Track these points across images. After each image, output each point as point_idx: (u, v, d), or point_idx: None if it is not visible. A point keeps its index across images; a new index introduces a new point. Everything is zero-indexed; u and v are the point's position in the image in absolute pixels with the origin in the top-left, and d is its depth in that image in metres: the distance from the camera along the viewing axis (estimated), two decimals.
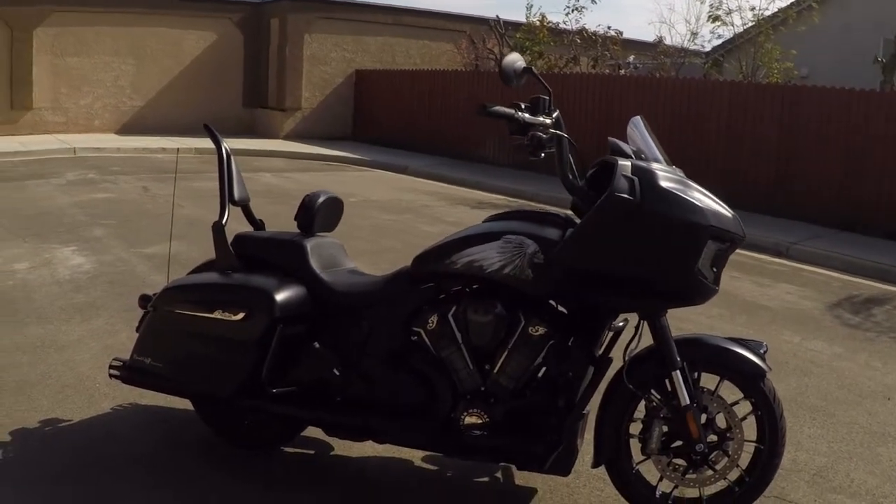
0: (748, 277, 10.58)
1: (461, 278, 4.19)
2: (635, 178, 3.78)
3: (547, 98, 3.99)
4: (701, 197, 3.87)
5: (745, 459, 4.17)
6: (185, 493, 4.45)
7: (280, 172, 18.63)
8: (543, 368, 4.14)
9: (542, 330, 4.03)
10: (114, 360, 4.88)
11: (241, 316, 4.36)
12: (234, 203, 4.81)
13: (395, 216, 13.29)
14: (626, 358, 4.15)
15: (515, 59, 3.97)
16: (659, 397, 4.12)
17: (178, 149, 18.11)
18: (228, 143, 4.94)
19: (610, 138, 4.02)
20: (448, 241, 4.23)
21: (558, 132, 3.95)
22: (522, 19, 25.00)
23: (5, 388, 5.64)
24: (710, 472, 4.13)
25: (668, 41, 23.00)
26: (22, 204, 13.23)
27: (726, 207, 3.94)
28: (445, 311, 4.19)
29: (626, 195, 3.75)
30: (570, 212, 4.21)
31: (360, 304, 4.43)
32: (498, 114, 3.87)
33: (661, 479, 4.20)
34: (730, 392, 4.17)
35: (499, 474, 4.76)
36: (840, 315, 9.01)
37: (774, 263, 11.80)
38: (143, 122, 25.18)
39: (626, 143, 4.04)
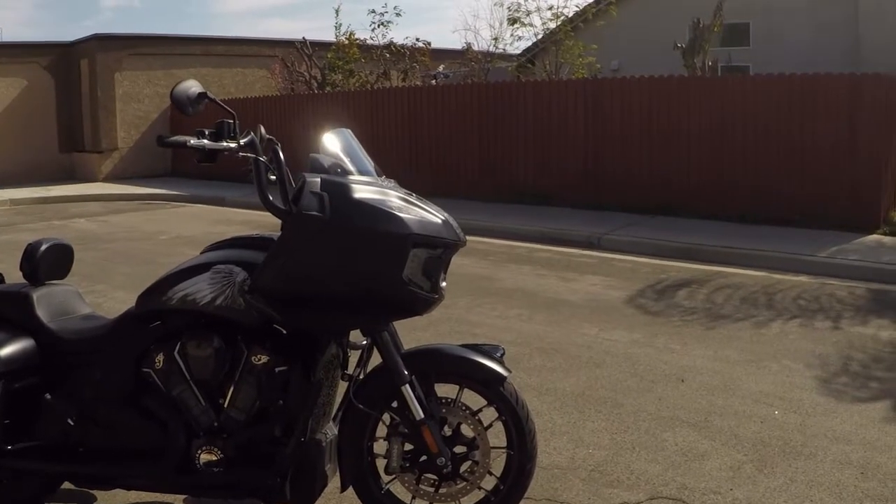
0: (554, 273, 10.48)
1: (183, 314, 3.96)
2: (325, 194, 3.61)
3: (231, 122, 3.74)
4: (402, 205, 3.70)
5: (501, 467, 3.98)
6: None
7: (94, 216, 18.00)
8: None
9: (264, 358, 3.83)
10: None
11: None
12: None
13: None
14: (355, 376, 4.00)
15: (190, 86, 3.70)
16: (395, 414, 3.93)
17: None
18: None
19: (311, 154, 3.82)
20: (165, 276, 4.01)
21: (248, 154, 3.72)
22: (333, 39, 24.78)
23: None
24: (462, 484, 3.94)
25: (475, 47, 23.00)
26: None
27: (437, 213, 3.78)
28: (171, 349, 3.97)
29: (314, 212, 3.58)
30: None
31: (90, 350, 4.22)
32: (174, 143, 3.63)
33: (413, 498, 4.00)
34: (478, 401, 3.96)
35: None
36: (644, 301, 8.94)
37: (584, 256, 11.74)
38: None
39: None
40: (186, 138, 3.61)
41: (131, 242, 14.04)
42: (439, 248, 3.73)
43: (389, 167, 4.08)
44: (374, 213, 3.60)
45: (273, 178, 3.76)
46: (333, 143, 3.89)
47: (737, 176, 13.51)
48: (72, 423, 4.16)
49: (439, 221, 3.73)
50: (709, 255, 11.26)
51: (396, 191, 3.78)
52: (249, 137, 3.76)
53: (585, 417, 5.67)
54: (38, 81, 26.12)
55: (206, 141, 3.63)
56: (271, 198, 3.69)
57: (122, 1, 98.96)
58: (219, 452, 3.89)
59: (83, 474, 4.25)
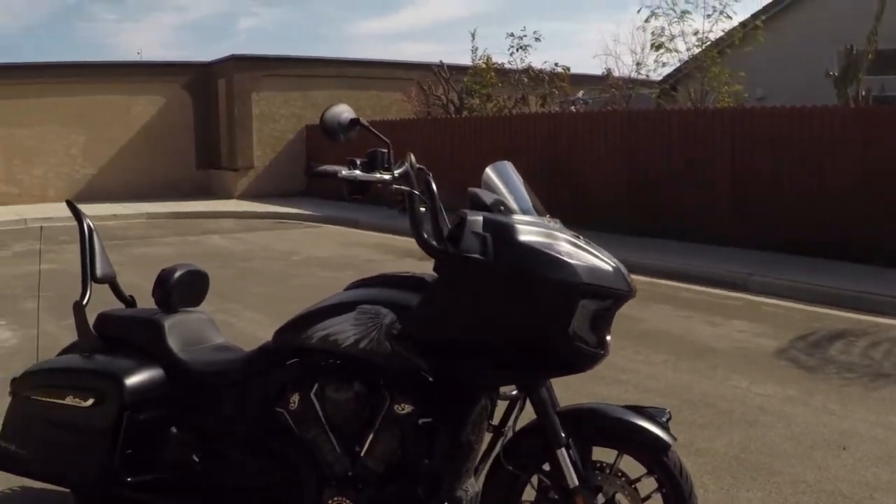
0: (699, 316, 10.01)
1: (323, 353, 3.70)
2: (487, 235, 3.27)
3: (385, 151, 3.44)
4: (572, 250, 3.32)
5: None
6: None
7: (229, 233, 18.27)
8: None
9: (407, 408, 3.53)
10: None
11: (90, 402, 4.09)
12: (97, 280, 4.47)
13: (335, 273, 12.71)
14: (505, 432, 3.68)
15: (342, 111, 3.44)
16: (546, 478, 3.59)
17: (41, 226, 19.46)
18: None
19: (470, 189, 3.49)
20: (305, 312, 3.77)
21: (403, 187, 3.42)
22: (469, 62, 24.67)
23: None
24: None
25: (616, 73, 22.56)
26: None
27: (608, 259, 3.40)
28: (308, 390, 3.73)
29: (475, 255, 3.25)
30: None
31: (222, 384, 4.06)
32: (324, 173, 3.37)
33: None
34: (636, 467, 3.58)
35: None
36: (797, 352, 8.38)
37: (731, 298, 11.19)
38: (96, 190, 25.11)
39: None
40: (337, 168, 3.35)
41: (264, 261, 14.14)
42: (609, 298, 3.38)
43: None
44: (542, 259, 3.25)
45: (424, 209, 3.46)
46: (495, 177, 3.57)
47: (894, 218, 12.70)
48: (196, 460, 4.02)
49: (610, 269, 3.37)
50: (864, 303, 10.53)
51: (563, 233, 3.42)
52: (404, 168, 3.47)
53: (740, 484, 5.22)
54: (177, 100, 27.03)
55: (357, 172, 3.37)
56: (426, 235, 3.38)
57: (257, 23, 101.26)
58: None
59: None
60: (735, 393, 6.98)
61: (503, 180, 3.57)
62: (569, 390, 6.46)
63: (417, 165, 3.56)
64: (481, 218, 3.32)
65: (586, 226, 14.98)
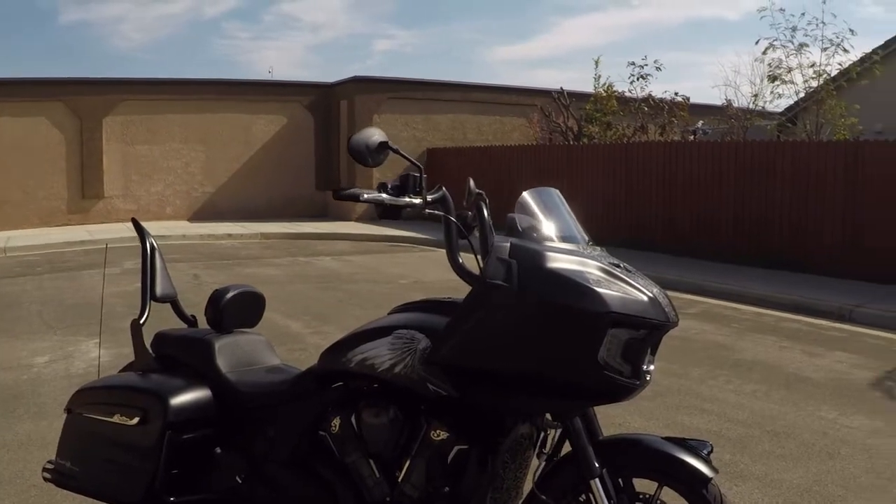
0: (799, 346, 9.83)
1: (365, 377, 3.71)
2: (513, 261, 3.21)
3: (418, 175, 3.46)
4: (602, 278, 3.24)
5: None
6: None
7: (340, 255, 18.50)
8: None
9: (443, 434, 3.49)
10: (47, 462, 4.62)
11: (135, 420, 4.10)
12: (156, 299, 4.51)
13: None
14: (541, 462, 3.60)
15: (371, 135, 3.44)
16: None
17: (106, 244, 19.84)
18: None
19: (509, 215, 3.43)
20: (348, 335, 3.78)
21: (436, 211, 3.46)
22: (590, 90, 24.73)
23: None
24: None
25: (736, 104, 22.36)
26: (68, 294, 13.43)
27: (645, 288, 3.30)
28: (348, 414, 3.74)
29: (498, 282, 3.21)
30: None
31: (267, 405, 4.07)
32: (348, 196, 3.38)
33: None
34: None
35: None
36: (893, 384, 8.20)
37: (833, 329, 10.98)
38: (214, 208, 25.56)
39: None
40: (362, 191, 3.38)
41: (370, 284, 14.25)
42: (643, 328, 3.26)
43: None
44: (568, 287, 3.16)
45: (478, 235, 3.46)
46: (534, 202, 3.51)
47: None
48: (239, 481, 4.02)
49: (645, 299, 3.25)
50: None
51: (599, 261, 3.33)
52: (440, 193, 3.50)
53: None
54: (299, 120, 27.47)
55: (384, 196, 3.38)
56: (461, 260, 3.37)
57: (392, 45, 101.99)
58: None
59: None
60: (820, 424, 6.87)
61: (543, 206, 3.52)
62: (651, 420, 6.54)
63: (476, 191, 3.56)
64: (508, 244, 3.27)
65: (698, 254, 15.04)
